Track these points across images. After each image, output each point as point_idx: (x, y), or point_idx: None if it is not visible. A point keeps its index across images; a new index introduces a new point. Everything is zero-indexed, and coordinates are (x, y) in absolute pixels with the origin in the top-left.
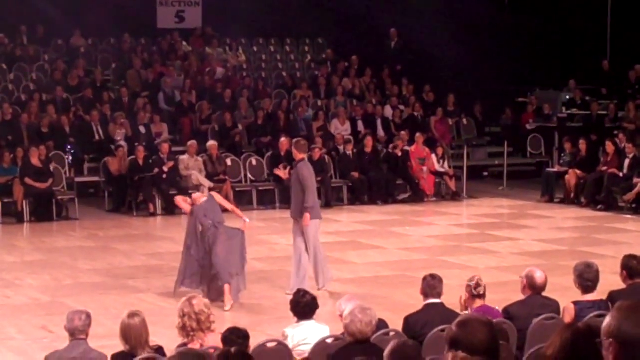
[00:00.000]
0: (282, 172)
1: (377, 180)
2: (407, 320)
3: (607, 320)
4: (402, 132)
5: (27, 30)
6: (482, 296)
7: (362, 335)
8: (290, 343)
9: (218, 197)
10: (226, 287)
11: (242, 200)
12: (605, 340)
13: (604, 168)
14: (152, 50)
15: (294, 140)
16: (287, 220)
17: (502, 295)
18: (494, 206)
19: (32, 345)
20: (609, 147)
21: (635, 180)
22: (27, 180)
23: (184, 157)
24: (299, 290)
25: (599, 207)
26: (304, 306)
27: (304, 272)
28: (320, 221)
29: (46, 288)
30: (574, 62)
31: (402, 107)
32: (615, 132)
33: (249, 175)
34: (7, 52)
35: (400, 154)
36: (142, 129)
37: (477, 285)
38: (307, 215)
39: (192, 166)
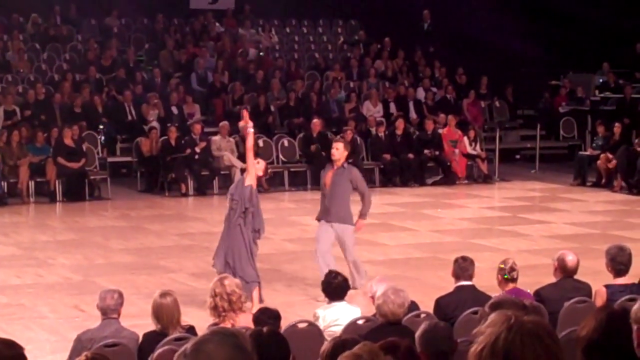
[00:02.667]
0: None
1: (408, 162)
2: (439, 303)
3: (636, 305)
4: (442, 115)
5: (61, 10)
6: (514, 280)
7: (394, 317)
8: (321, 324)
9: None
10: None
11: (274, 181)
12: (633, 324)
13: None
14: (184, 31)
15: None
16: (319, 201)
17: (534, 278)
18: (525, 189)
19: (64, 324)
20: None
21: None
22: (60, 160)
23: (216, 138)
24: (330, 272)
25: (632, 190)
26: (335, 287)
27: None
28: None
29: (78, 267)
30: (608, 45)
31: (434, 90)
32: None
33: (281, 157)
34: (40, 32)
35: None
36: (175, 110)
37: (512, 269)
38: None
39: (224, 147)
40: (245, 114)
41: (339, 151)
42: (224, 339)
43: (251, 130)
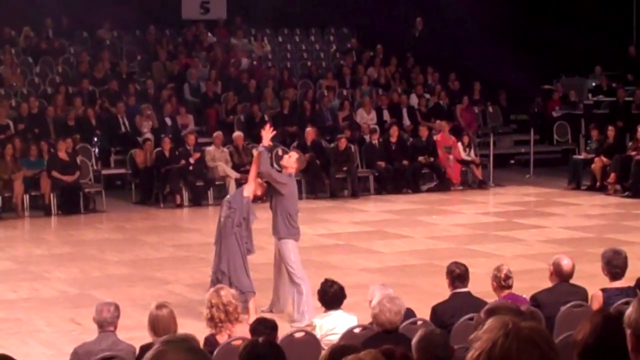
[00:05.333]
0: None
1: (402, 169)
2: (435, 310)
3: (629, 309)
4: (438, 121)
5: (52, 23)
6: (510, 287)
7: (391, 325)
8: (318, 333)
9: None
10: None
11: (268, 190)
12: (627, 329)
13: (633, 153)
14: (177, 42)
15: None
16: (313, 210)
17: (529, 283)
18: (520, 194)
19: (60, 338)
20: None
21: None
22: (54, 174)
23: (210, 149)
24: (326, 280)
25: (626, 193)
26: (331, 296)
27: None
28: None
29: (74, 280)
30: (600, 48)
31: (427, 96)
32: None
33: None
34: (32, 46)
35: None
36: (168, 121)
37: (507, 277)
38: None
39: (218, 157)
40: (268, 127)
41: (289, 159)
42: (176, 345)
43: (262, 148)
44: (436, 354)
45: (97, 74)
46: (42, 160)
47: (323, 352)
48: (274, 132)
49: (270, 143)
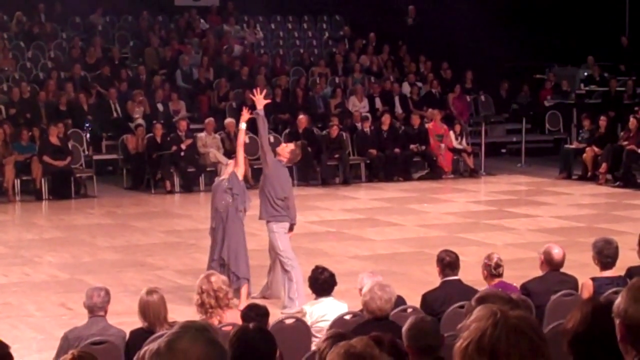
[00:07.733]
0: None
1: (394, 157)
2: (425, 298)
3: (618, 299)
4: (430, 110)
5: (45, 8)
6: (500, 275)
7: (382, 313)
8: (308, 320)
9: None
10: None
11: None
12: (616, 318)
13: (624, 143)
14: (169, 28)
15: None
16: (305, 197)
17: (520, 272)
18: (511, 183)
19: (50, 322)
20: (632, 123)
21: None
22: (46, 158)
23: (201, 135)
24: (317, 267)
25: (617, 183)
26: (322, 283)
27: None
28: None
29: (65, 265)
30: (593, 38)
31: (419, 84)
32: (636, 109)
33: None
34: (24, 30)
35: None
36: (160, 107)
37: (497, 265)
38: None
39: (209, 143)
40: (258, 91)
41: (285, 148)
42: (196, 334)
43: (243, 126)
44: (426, 341)
45: (89, 59)
46: (33, 145)
47: (322, 341)
48: (265, 91)
49: (267, 100)
